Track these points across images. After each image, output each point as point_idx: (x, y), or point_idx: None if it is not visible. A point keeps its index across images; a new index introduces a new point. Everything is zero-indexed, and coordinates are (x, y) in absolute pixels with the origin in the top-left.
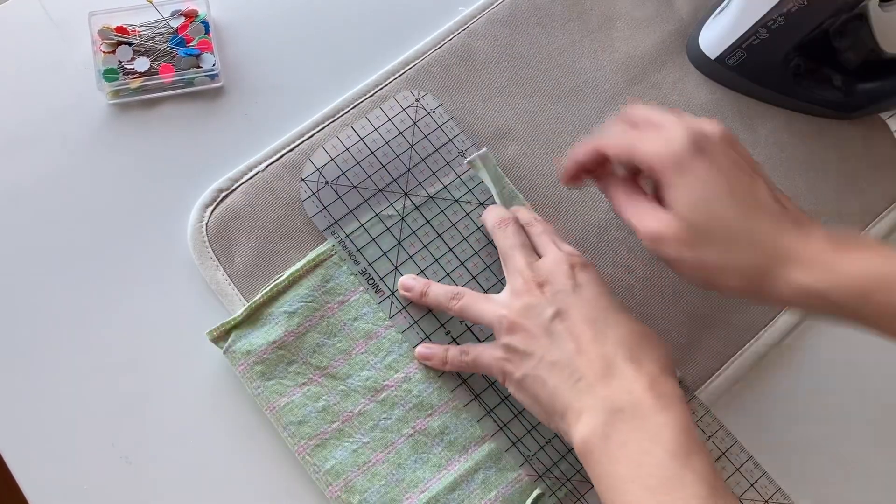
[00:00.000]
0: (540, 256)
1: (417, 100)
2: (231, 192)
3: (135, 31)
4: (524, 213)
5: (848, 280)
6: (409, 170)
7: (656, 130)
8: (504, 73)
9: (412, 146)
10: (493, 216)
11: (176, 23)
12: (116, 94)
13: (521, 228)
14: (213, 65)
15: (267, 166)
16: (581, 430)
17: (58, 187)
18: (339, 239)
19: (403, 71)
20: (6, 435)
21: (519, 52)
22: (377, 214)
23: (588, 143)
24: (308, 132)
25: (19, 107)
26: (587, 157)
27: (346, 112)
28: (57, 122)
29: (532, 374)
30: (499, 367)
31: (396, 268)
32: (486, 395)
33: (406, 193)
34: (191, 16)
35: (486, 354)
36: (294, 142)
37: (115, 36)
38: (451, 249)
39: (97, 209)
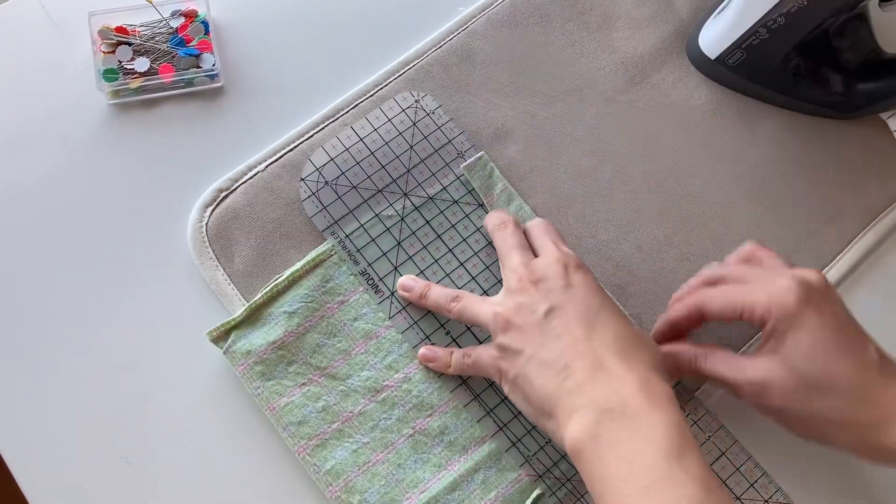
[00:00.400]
0: (538, 257)
1: (417, 101)
2: (231, 192)
3: (135, 31)
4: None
5: None
6: (408, 170)
7: (762, 282)
8: (504, 73)
9: (412, 147)
10: (494, 218)
11: (176, 23)
12: (116, 94)
13: (521, 229)
14: (213, 65)
15: (267, 166)
16: (571, 430)
17: (58, 187)
18: (338, 239)
19: (403, 71)
20: (6, 435)
21: (519, 52)
22: (377, 215)
23: (686, 302)
24: (308, 132)
25: (19, 107)
26: (684, 317)
27: (346, 112)
28: (57, 122)
29: (522, 374)
30: (495, 367)
31: (396, 268)
32: (485, 395)
33: (406, 194)
34: (191, 16)
35: (484, 355)
36: (294, 142)
37: (115, 36)
38: (450, 250)
39: (97, 209)
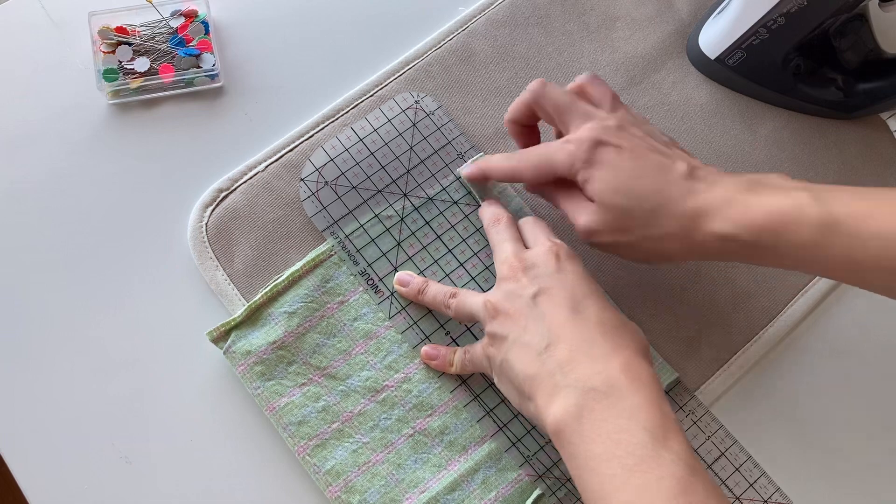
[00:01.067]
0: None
1: (417, 102)
2: (231, 192)
3: (135, 31)
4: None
5: (756, 220)
6: (408, 171)
7: (563, 141)
8: (504, 73)
9: (411, 147)
10: (488, 214)
11: (176, 23)
12: (116, 94)
13: (515, 225)
14: (213, 65)
15: (267, 166)
16: (554, 410)
17: (58, 187)
18: (338, 239)
19: (403, 71)
20: (6, 435)
21: (518, 52)
22: (377, 215)
23: (504, 163)
24: (308, 132)
25: (19, 107)
26: (502, 176)
27: (346, 112)
28: (57, 122)
29: (506, 358)
30: (486, 356)
31: (396, 268)
32: (485, 395)
33: (405, 194)
34: (191, 16)
35: (477, 347)
36: (294, 142)
37: (115, 36)
38: (450, 251)
39: (97, 209)
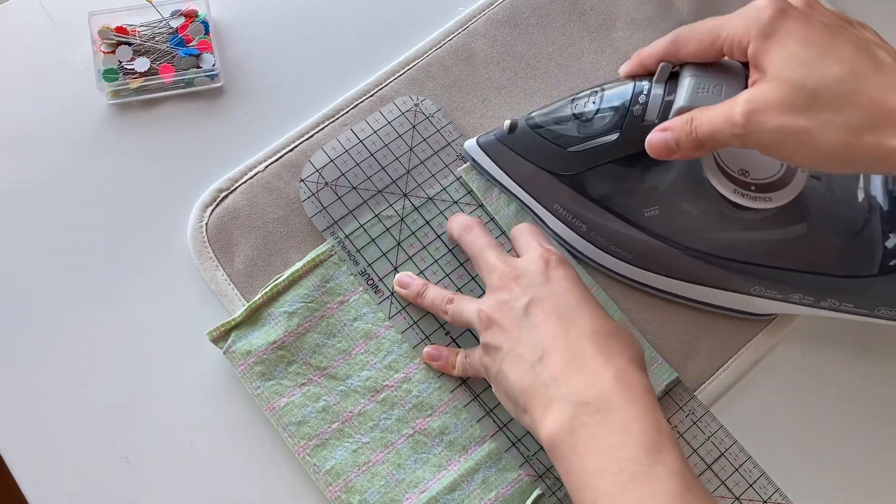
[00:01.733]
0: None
1: (416, 104)
2: (231, 192)
3: (135, 31)
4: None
5: None
6: (408, 171)
7: (741, 13)
8: (504, 74)
9: (411, 149)
10: (457, 223)
11: (176, 23)
12: (116, 94)
13: (487, 230)
14: (213, 65)
15: (266, 166)
16: (548, 424)
17: (58, 187)
18: (338, 239)
19: (403, 71)
20: (6, 435)
21: (519, 52)
22: (377, 215)
23: (660, 42)
24: (308, 132)
25: (19, 107)
26: (656, 59)
27: (346, 112)
28: (57, 122)
29: (501, 369)
30: (483, 366)
31: (396, 268)
32: (485, 395)
33: (405, 195)
34: (191, 16)
35: (475, 355)
36: (294, 142)
37: (115, 36)
38: (450, 251)
39: (97, 209)
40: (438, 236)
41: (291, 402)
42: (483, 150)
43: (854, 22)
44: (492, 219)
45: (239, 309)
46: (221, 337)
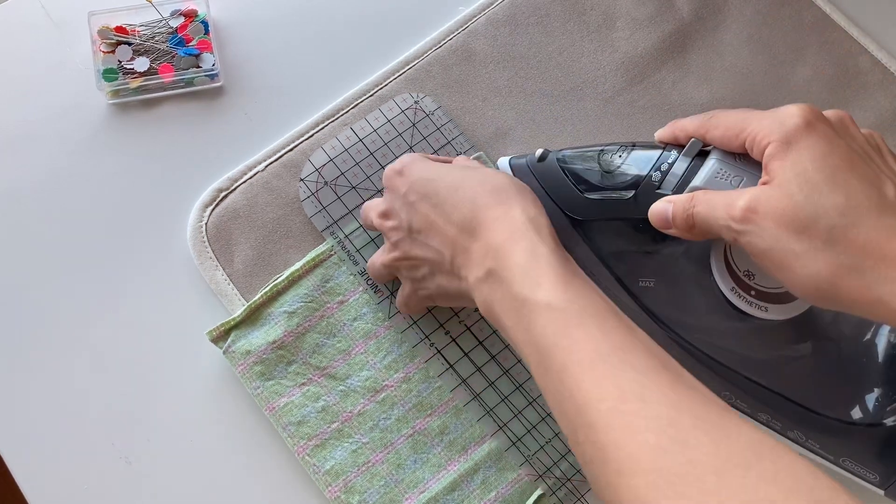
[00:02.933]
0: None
1: (416, 102)
2: (230, 192)
3: (134, 30)
4: None
5: None
6: None
7: (768, 112)
8: (504, 73)
9: (411, 147)
10: (371, 215)
11: (175, 23)
12: (116, 94)
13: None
14: (213, 65)
15: (266, 166)
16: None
17: (58, 187)
18: (338, 239)
19: (403, 70)
20: (6, 435)
21: (519, 52)
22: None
23: (691, 121)
24: (308, 132)
25: (19, 107)
26: (685, 138)
27: (346, 112)
28: (57, 122)
29: (426, 286)
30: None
31: None
32: (486, 394)
33: None
34: (190, 16)
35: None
36: (294, 141)
37: (115, 36)
38: None
39: (97, 209)
40: None
41: (291, 401)
42: (513, 172)
43: (886, 150)
44: None
45: (238, 309)
46: (221, 336)
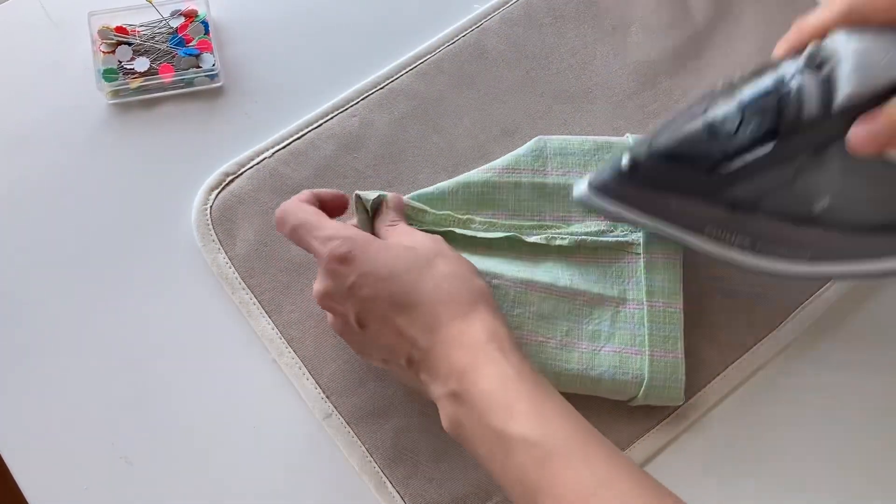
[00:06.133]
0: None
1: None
2: (237, 177)
3: (134, 31)
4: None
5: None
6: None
7: None
8: (515, 72)
9: None
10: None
11: (176, 23)
12: (116, 93)
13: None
14: (213, 65)
15: (274, 153)
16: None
17: (58, 187)
18: None
19: (415, 65)
20: (6, 435)
21: (531, 51)
22: None
23: (833, 12)
24: (316, 122)
25: (19, 107)
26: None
27: (356, 103)
28: (57, 122)
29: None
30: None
31: None
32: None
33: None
34: (190, 16)
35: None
36: (301, 130)
37: (115, 36)
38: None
39: (96, 210)
40: None
41: None
42: (601, 193)
43: None
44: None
45: (239, 294)
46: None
